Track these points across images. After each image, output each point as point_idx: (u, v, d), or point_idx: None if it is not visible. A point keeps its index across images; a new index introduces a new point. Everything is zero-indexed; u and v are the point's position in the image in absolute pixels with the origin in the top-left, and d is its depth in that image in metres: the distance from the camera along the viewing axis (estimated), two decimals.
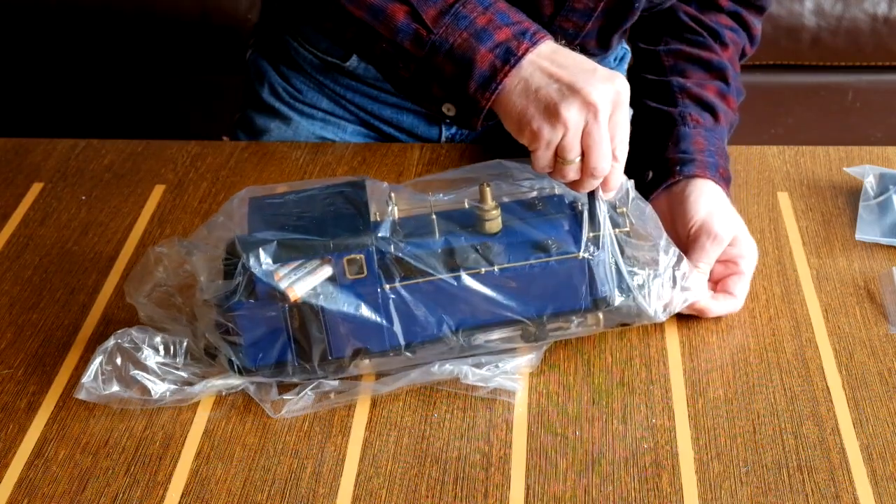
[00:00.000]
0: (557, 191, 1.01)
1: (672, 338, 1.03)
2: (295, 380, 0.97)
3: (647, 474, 0.90)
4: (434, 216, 0.96)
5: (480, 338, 0.98)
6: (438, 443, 0.94)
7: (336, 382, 0.97)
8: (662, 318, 1.00)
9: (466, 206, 0.98)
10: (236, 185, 1.25)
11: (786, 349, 1.02)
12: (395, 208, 0.96)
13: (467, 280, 0.95)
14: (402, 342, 0.96)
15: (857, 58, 2.09)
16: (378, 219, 0.95)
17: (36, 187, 1.26)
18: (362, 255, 0.93)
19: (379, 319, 0.95)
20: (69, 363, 1.02)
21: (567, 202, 0.99)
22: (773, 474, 0.90)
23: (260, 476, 0.91)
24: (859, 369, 1.00)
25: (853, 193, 1.21)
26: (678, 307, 1.01)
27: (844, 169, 1.24)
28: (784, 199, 1.21)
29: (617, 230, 0.98)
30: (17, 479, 0.91)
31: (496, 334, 0.98)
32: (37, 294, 1.10)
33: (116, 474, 0.92)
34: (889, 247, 1.13)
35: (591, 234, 0.97)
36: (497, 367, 0.98)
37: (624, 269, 0.98)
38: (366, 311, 0.94)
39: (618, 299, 0.98)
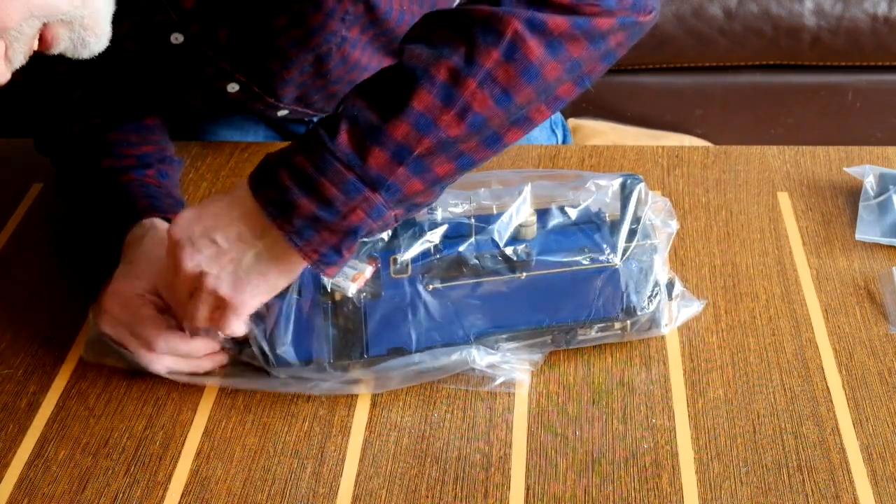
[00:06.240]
0: (582, 202, 1.01)
1: (672, 338, 1.03)
2: (323, 377, 0.96)
3: (647, 474, 0.90)
4: (472, 219, 0.96)
5: (509, 342, 0.99)
6: (438, 443, 0.94)
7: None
8: (665, 330, 1.02)
9: (500, 209, 0.98)
10: (236, 185, 1.24)
11: (786, 349, 1.02)
12: (439, 209, 0.96)
13: (504, 285, 0.96)
14: (439, 342, 0.97)
15: (857, 58, 2.09)
16: (420, 219, 0.96)
17: (36, 187, 1.26)
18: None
19: (419, 319, 0.96)
20: (69, 363, 1.02)
21: (595, 212, 1.00)
22: (773, 474, 0.90)
23: (260, 476, 0.91)
24: (859, 369, 1.00)
25: (853, 193, 1.20)
26: (678, 321, 1.03)
27: (844, 169, 1.24)
28: (784, 199, 1.21)
29: (648, 242, 0.99)
30: (17, 480, 0.91)
31: (527, 338, 0.99)
32: (37, 294, 1.10)
33: (116, 474, 0.92)
34: (889, 247, 1.13)
35: (625, 244, 0.98)
36: (505, 356, 0.98)
37: (654, 279, 0.99)
38: (407, 311, 0.95)
39: (646, 309, 0.99)
